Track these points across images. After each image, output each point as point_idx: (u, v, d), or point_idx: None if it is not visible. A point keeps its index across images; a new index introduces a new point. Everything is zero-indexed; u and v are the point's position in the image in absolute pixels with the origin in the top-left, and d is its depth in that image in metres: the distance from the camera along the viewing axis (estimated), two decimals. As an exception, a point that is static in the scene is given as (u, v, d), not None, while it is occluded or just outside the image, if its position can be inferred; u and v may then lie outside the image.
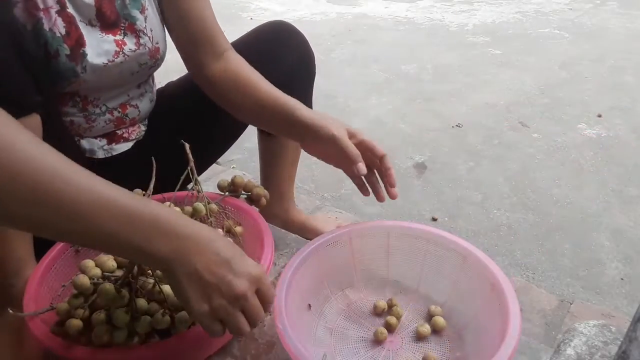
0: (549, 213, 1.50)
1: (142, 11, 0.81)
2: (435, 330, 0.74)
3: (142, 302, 0.63)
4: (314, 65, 1.01)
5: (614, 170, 1.71)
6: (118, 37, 0.78)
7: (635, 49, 2.87)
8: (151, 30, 0.83)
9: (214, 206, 0.78)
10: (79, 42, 0.73)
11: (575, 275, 1.26)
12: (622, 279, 1.25)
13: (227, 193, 0.84)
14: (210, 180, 1.45)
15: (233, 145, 1.08)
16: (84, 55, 0.74)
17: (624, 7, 3.76)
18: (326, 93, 2.38)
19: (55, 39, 0.71)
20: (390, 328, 0.75)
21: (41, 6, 0.69)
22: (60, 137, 0.79)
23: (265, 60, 0.93)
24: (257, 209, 0.83)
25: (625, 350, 0.46)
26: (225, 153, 1.11)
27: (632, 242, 1.38)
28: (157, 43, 0.84)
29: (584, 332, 0.67)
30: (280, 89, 0.96)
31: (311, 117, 0.76)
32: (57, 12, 0.71)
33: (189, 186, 0.82)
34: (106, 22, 0.77)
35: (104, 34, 0.77)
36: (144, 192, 0.79)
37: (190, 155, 0.78)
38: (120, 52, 0.78)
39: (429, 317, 0.77)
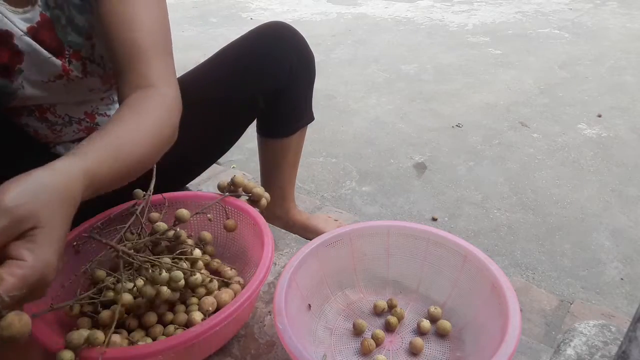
0: (549, 213, 1.50)
1: (87, 37, 0.75)
2: (440, 334, 0.74)
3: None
4: (314, 66, 1.01)
5: (614, 170, 1.71)
6: (65, 62, 0.74)
7: (635, 49, 2.87)
8: (101, 57, 0.77)
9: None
10: (14, 59, 0.70)
11: (575, 275, 1.26)
12: (622, 279, 1.25)
13: (227, 193, 0.84)
14: (210, 180, 1.46)
15: (233, 146, 1.08)
16: (19, 71, 0.71)
17: (624, 7, 3.76)
18: (326, 93, 2.38)
19: None
20: (390, 327, 0.75)
21: None
22: (25, 146, 0.77)
23: (263, 62, 0.93)
24: (258, 210, 0.83)
25: (625, 350, 0.46)
26: (226, 153, 1.11)
27: (632, 242, 1.38)
28: (110, 69, 0.78)
29: (584, 332, 0.67)
30: (279, 91, 0.96)
31: None
32: None
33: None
34: (48, 48, 0.73)
35: (50, 55, 0.73)
36: (144, 192, 0.79)
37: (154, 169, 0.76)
38: (65, 76, 0.74)
39: (429, 318, 0.76)
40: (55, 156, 0.83)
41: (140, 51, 0.67)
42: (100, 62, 0.78)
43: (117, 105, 0.87)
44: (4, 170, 0.71)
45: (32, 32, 0.70)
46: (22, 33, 0.69)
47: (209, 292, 0.74)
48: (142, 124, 0.59)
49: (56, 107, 0.79)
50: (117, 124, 0.57)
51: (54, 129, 0.81)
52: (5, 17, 0.67)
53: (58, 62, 0.73)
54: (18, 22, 0.68)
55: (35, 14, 0.70)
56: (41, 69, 0.72)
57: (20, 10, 0.69)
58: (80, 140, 0.85)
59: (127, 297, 0.65)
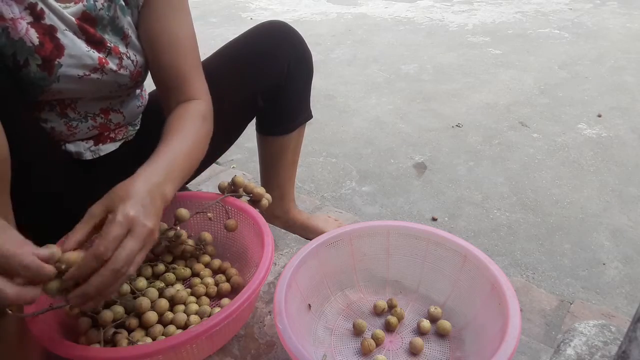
0: (549, 213, 1.50)
1: (123, 38, 0.80)
2: (441, 334, 0.74)
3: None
4: (311, 64, 1.01)
5: (614, 170, 1.71)
6: (102, 55, 0.77)
7: (635, 49, 2.87)
8: (135, 55, 0.82)
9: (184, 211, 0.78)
10: (54, 53, 0.72)
11: (575, 275, 1.26)
12: (622, 279, 1.25)
13: (227, 193, 0.84)
14: (210, 180, 1.46)
15: (233, 145, 1.08)
16: (59, 66, 0.73)
17: (624, 7, 3.76)
18: (326, 93, 2.38)
19: (24, 49, 0.70)
20: (390, 327, 0.75)
21: (9, 16, 0.68)
22: (42, 143, 0.78)
23: (261, 60, 0.93)
24: (258, 210, 0.83)
25: (625, 350, 0.46)
26: (225, 153, 1.11)
27: (632, 242, 1.38)
28: (140, 67, 0.84)
29: (584, 332, 0.67)
30: (277, 89, 0.97)
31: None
32: (30, 23, 0.69)
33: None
34: (91, 40, 0.76)
35: (90, 48, 0.76)
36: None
37: None
38: (99, 70, 0.77)
39: (429, 318, 0.77)
40: (67, 154, 0.84)
41: (182, 74, 0.81)
42: (134, 59, 0.82)
43: (131, 102, 0.90)
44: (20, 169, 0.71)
45: (80, 22, 0.74)
46: (64, 28, 0.73)
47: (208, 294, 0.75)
48: (186, 139, 0.76)
49: (77, 103, 0.81)
50: (169, 143, 0.73)
51: (70, 125, 0.82)
52: (53, 11, 0.71)
53: (95, 55, 0.77)
54: (65, 15, 0.73)
55: (80, 9, 0.74)
56: (78, 63, 0.75)
57: (66, 4, 0.73)
58: (91, 138, 0.87)
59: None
